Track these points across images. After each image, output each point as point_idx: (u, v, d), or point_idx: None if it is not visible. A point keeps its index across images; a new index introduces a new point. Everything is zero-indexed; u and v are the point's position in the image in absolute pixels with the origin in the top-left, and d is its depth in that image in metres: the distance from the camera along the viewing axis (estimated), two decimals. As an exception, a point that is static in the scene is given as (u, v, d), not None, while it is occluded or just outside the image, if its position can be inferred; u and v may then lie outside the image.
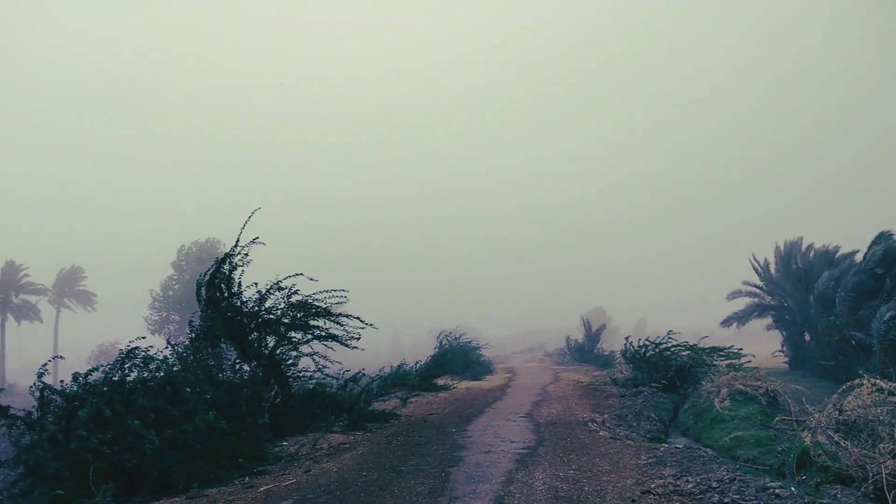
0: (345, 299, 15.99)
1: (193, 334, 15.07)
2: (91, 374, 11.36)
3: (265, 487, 9.93)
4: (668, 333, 28.77)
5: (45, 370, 11.17)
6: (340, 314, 15.83)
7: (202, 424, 11.16)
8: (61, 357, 13.53)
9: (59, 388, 10.94)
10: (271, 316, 15.53)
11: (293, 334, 15.85)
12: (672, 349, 27.47)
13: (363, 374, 20.24)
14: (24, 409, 10.54)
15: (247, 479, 10.77)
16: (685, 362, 25.89)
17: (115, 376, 11.46)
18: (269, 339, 15.64)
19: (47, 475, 9.76)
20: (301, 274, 15.63)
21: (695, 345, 27.94)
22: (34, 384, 10.69)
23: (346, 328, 16.05)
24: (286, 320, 15.64)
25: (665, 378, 25.25)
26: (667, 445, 13.17)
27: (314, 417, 15.81)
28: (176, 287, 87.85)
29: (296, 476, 10.67)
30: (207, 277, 15.14)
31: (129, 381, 11.67)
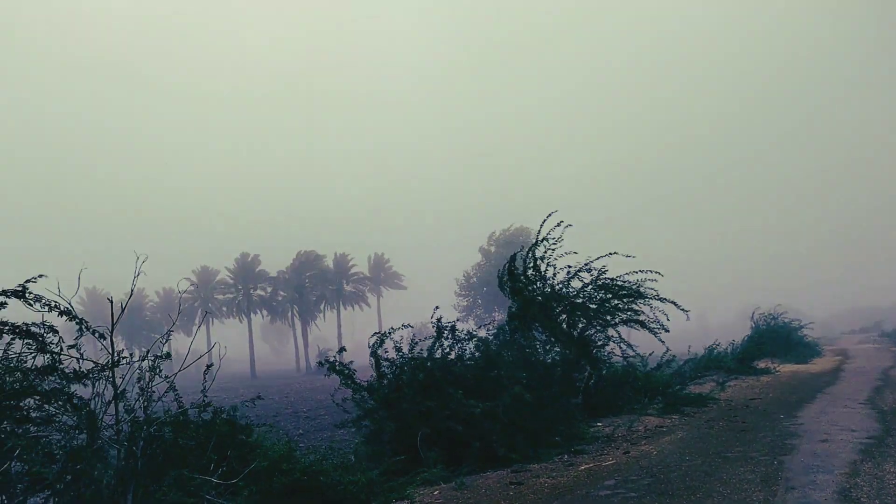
0: (655, 279, 15.57)
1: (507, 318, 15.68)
2: (413, 348, 12.40)
3: (585, 466, 9.99)
4: None
5: (379, 341, 12.35)
6: (652, 297, 15.45)
7: (509, 398, 11.57)
8: (391, 330, 14.92)
9: (387, 357, 12.11)
10: (578, 299, 15.66)
11: (601, 316, 15.81)
12: None
13: (673, 357, 19.60)
14: (365, 380, 11.83)
15: (566, 456, 10.94)
16: None
17: (436, 353, 12.34)
18: (578, 321, 15.77)
19: (384, 440, 10.86)
20: (615, 252, 15.52)
21: None
22: (371, 355, 11.93)
23: (657, 310, 15.69)
24: (593, 304, 15.67)
25: None
26: None
27: (626, 399, 15.63)
28: (484, 271, 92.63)
29: (615, 457, 10.58)
30: (508, 266, 15.73)
31: (450, 358, 12.46)
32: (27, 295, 6.60)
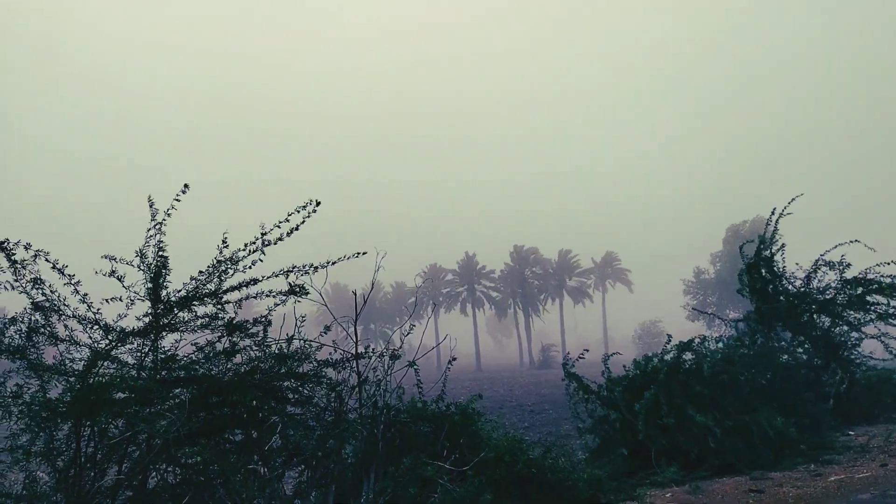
0: None
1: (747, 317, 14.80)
2: (651, 361, 12.01)
3: (836, 477, 9.15)
4: None
5: (607, 357, 12.21)
6: None
7: (765, 423, 10.86)
8: (609, 334, 14.72)
9: (623, 373, 11.83)
10: (821, 296, 14.41)
11: (851, 314, 14.40)
12: None
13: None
14: (595, 383, 11.70)
15: (812, 466, 10.10)
16: None
17: (671, 360, 11.86)
18: (823, 320, 14.48)
19: (616, 449, 10.69)
20: (856, 241, 14.12)
21: None
22: (604, 370, 11.79)
23: None
24: (841, 299, 14.31)
25: None
26: None
27: (884, 407, 14.08)
28: (717, 268, 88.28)
29: (870, 469, 9.59)
30: (748, 263, 14.83)
31: (686, 365, 11.88)
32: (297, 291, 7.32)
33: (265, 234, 7.03)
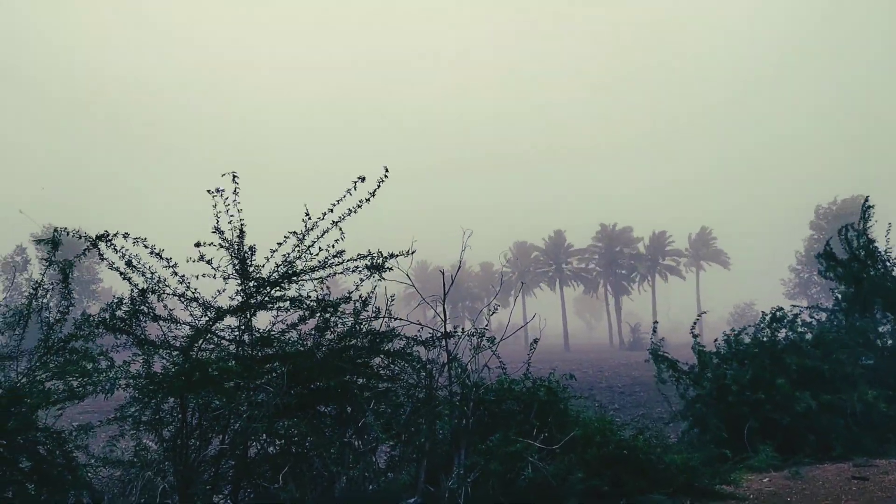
0: None
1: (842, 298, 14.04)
2: (740, 334, 11.70)
3: (949, 468, 8.67)
4: None
5: (694, 332, 11.95)
6: None
7: (860, 404, 10.41)
8: (704, 312, 14.27)
9: (714, 349, 11.56)
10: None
11: None
12: None
13: None
14: (686, 363, 11.47)
15: (921, 455, 9.61)
16: None
17: (763, 337, 11.52)
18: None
19: (710, 427, 10.44)
20: None
21: None
22: (695, 344, 11.53)
23: None
24: None
25: None
26: None
27: None
28: (817, 247, 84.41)
29: None
30: (825, 250, 14.11)
31: (779, 340, 11.55)
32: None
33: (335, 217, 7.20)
